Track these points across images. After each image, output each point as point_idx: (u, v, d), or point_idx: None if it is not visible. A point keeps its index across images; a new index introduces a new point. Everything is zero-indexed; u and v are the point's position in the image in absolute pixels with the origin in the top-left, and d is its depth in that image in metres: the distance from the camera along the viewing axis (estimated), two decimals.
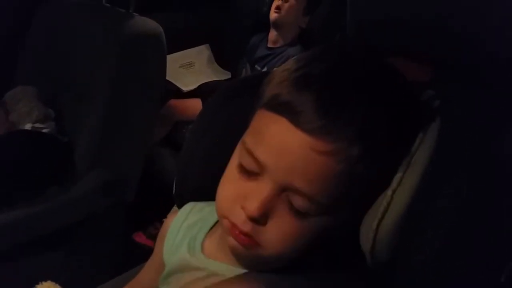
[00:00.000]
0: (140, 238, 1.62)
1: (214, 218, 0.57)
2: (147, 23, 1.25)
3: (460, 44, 0.54)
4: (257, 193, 0.45)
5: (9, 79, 1.41)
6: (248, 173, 0.47)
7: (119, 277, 0.88)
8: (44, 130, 1.24)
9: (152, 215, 1.62)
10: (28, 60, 1.43)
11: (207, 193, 0.62)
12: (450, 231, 0.46)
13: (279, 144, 0.44)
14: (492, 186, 0.49)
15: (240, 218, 0.46)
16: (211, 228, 0.57)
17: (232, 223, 0.47)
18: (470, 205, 0.49)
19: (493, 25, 0.51)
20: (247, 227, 0.46)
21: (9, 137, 1.20)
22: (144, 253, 0.70)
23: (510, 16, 0.50)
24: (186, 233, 0.58)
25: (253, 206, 0.45)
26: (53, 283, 0.73)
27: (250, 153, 0.46)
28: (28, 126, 1.23)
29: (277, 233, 0.46)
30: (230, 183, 0.49)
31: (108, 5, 1.43)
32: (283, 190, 0.45)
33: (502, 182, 0.49)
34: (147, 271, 0.66)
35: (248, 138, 0.48)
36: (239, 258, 0.50)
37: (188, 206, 0.62)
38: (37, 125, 1.24)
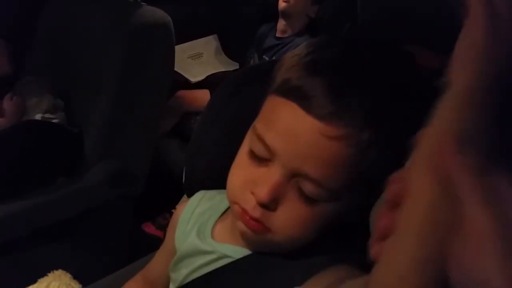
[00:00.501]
0: (149, 228, 1.63)
1: (225, 205, 0.58)
2: (155, 13, 1.24)
3: None
4: (267, 178, 0.45)
5: (17, 71, 1.41)
6: (258, 159, 0.47)
7: (128, 266, 0.89)
8: (54, 121, 1.25)
9: (161, 205, 1.63)
10: (36, 52, 1.43)
11: (217, 182, 0.62)
12: None
13: (289, 129, 0.44)
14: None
15: (250, 204, 0.46)
16: (222, 215, 0.57)
17: (242, 209, 0.47)
18: None
19: None
20: (257, 212, 0.46)
21: (18, 127, 1.20)
22: (154, 243, 0.70)
23: None
24: (197, 221, 0.58)
25: (263, 191, 0.45)
26: (64, 272, 0.74)
27: (261, 139, 0.46)
28: (38, 116, 1.24)
29: (287, 219, 0.46)
30: (241, 169, 0.49)
31: None
32: (293, 176, 0.45)
33: None
34: (158, 259, 0.66)
35: (258, 124, 0.48)
36: (249, 243, 0.51)
37: (199, 194, 0.62)
38: (47, 115, 1.25)
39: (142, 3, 1.27)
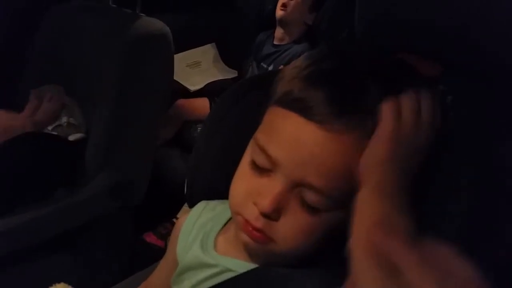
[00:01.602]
0: (151, 238, 1.63)
1: (227, 216, 0.58)
2: (154, 24, 1.25)
3: (468, 46, 0.53)
4: (270, 189, 0.46)
5: (15, 81, 1.41)
6: (260, 170, 0.47)
7: (131, 277, 0.89)
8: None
9: (162, 215, 1.63)
10: (34, 62, 1.43)
11: (219, 193, 0.62)
12: (458, 233, 0.46)
13: (291, 139, 0.45)
14: (496, 191, 0.49)
15: (252, 214, 0.47)
16: (224, 226, 0.57)
17: (245, 219, 0.48)
18: (475, 209, 0.49)
19: (501, 30, 0.51)
20: (259, 223, 0.46)
21: (17, 140, 1.20)
22: (155, 253, 0.70)
23: None
24: (199, 232, 0.58)
25: (266, 202, 0.45)
26: (66, 284, 0.73)
27: (263, 150, 0.47)
28: (65, 119, 1.25)
29: (290, 229, 0.46)
30: (243, 180, 0.49)
31: (114, 6, 1.44)
32: (295, 186, 0.45)
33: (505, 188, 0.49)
34: (160, 271, 0.66)
35: (260, 134, 0.49)
36: (252, 254, 0.51)
37: (200, 205, 0.62)
38: (71, 120, 1.27)
39: (141, 14, 1.28)
